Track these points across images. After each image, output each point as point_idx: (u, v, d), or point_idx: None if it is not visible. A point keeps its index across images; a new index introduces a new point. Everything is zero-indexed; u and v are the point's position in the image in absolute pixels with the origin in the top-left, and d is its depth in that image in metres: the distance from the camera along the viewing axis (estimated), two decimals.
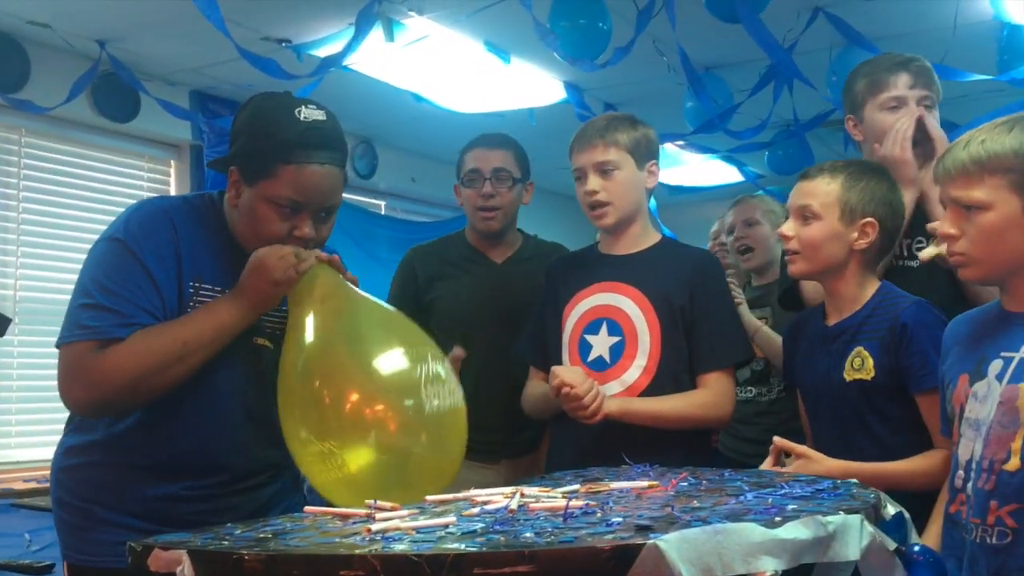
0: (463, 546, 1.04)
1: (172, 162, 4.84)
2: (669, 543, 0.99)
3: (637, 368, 2.18)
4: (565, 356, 2.27)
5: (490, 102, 4.78)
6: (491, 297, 2.63)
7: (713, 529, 1.03)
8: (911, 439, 1.84)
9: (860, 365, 1.91)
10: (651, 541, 0.99)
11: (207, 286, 1.73)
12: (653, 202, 5.50)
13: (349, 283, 1.72)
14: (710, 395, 2.18)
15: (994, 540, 1.49)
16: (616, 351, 2.20)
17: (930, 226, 1.76)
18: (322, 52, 3.91)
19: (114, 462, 1.74)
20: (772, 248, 3.09)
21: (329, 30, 3.95)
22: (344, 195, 5.93)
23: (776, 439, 1.86)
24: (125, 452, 1.73)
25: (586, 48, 3.47)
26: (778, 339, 2.40)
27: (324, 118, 1.71)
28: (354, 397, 1.48)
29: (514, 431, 2.58)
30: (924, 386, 1.82)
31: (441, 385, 1.56)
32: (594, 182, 2.22)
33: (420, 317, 2.65)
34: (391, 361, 1.53)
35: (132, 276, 1.66)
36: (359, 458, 1.47)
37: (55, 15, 3.92)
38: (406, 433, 1.50)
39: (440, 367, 1.59)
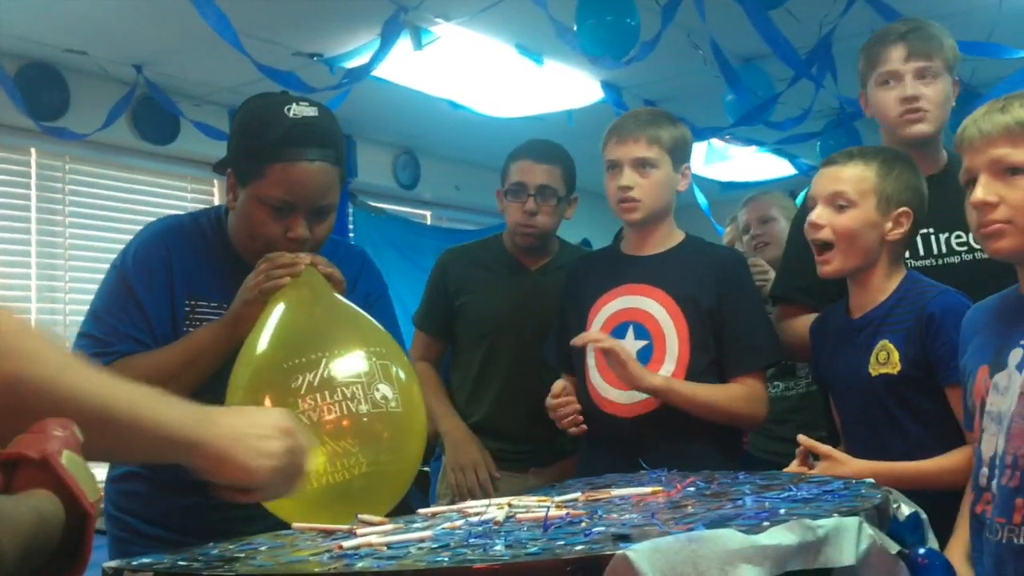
0: (424, 562, 0.99)
1: (215, 180, 4.90)
2: (639, 553, 0.93)
3: (666, 372, 2.12)
4: (591, 360, 2.21)
5: (527, 106, 4.74)
6: (522, 304, 2.58)
7: (687, 537, 0.97)
8: (942, 434, 1.75)
9: (886, 359, 1.82)
10: (620, 551, 0.93)
11: (203, 304, 1.71)
12: (704, 199, 5.49)
13: (330, 289, 1.65)
14: (745, 390, 2.12)
15: (1021, 540, 1.39)
16: (644, 355, 2.14)
17: (972, 199, 1.61)
18: (353, 64, 3.92)
19: (146, 474, 1.74)
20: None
21: (359, 41, 3.95)
22: (388, 206, 5.93)
23: (801, 439, 1.78)
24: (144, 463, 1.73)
25: (615, 45, 3.40)
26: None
27: (315, 114, 1.66)
28: (305, 403, 1.41)
29: (542, 439, 2.52)
30: (954, 378, 1.71)
31: (400, 393, 1.49)
32: (630, 177, 2.16)
33: (451, 321, 2.66)
34: (347, 368, 1.46)
35: (118, 302, 1.66)
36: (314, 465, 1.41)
37: (91, 42, 3.99)
38: (357, 442, 1.43)
39: (403, 373, 1.52)
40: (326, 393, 1.41)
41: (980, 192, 1.49)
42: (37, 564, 0.78)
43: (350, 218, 5.54)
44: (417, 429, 1.53)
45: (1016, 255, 1.52)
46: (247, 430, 1.14)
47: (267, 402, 1.42)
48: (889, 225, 1.84)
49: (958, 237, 2.04)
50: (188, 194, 4.87)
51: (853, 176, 1.86)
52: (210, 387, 1.56)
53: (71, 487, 0.82)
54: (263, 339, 1.49)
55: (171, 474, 1.67)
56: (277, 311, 1.53)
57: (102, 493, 0.92)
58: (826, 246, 1.87)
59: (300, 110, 1.65)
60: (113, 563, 1.16)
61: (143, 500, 1.75)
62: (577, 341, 2.11)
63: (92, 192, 4.51)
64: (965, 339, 1.64)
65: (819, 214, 1.87)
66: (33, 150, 4.28)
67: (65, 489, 0.81)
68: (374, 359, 1.49)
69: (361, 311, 1.62)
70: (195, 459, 1.10)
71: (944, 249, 2.05)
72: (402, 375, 1.53)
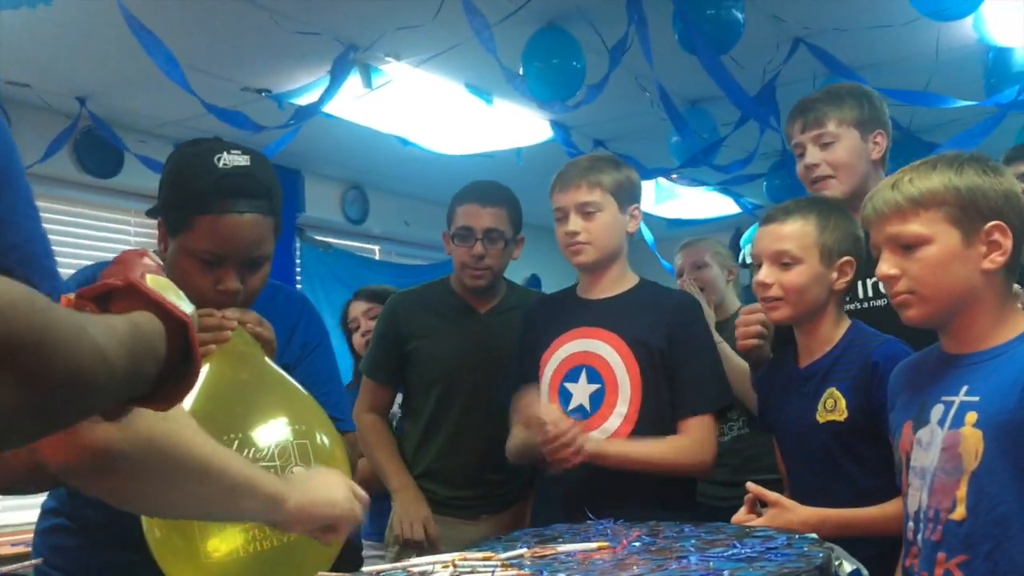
0: None
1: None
2: None
3: (618, 416, 2.12)
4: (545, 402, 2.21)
5: (477, 143, 4.76)
6: (473, 347, 2.56)
7: None
8: (887, 481, 1.77)
9: (833, 406, 1.84)
10: None
11: None
12: (650, 236, 5.55)
13: (259, 351, 1.58)
14: (688, 440, 2.12)
15: None
16: (596, 399, 2.15)
17: (877, 273, 1.68)
18: (302, 101, 3.91)
19: (76, 528, 1.68)
20: (721, 289, 3.17)
21: (309, 78, 3.94)
22: (337, 241, 5.87)
23: (750, 486, 1.80)
24: (78, 517, 1.68)
25: (561, 87, 3.44)
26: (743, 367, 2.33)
27: (247, 164, 1.60)
28: None
29: (494, 485, 2.51)
30: None
31: (325, 460, 1.45)
32: (575, 223, 2.18)
33: (401, 367, 2.64)
34: (261, 450, 1.41)
35: None
36: (224, 545, 1.36)
37: (34, 74, 3.93)
38: None
39: (325, 440, 1.49)
40: None
41: (883, 267, 1.56)
42: (151, 371, 0.84)
43: (297, 253, 5.50)
44: None
45: (925, 322, 1.57)
46: (320, 488, 1.33)
47: None
48: (835, 275, 1.88)
49: None
50: (132, 227, 4.80)
51: (794, 233, 1.89)
52: None
53: (159, 301, 0.87)
54: (182, 408, 1.44)
55: (103, 529, 1.63)
56: (199, 377, 1.48)
57: (194, 308, 0.94)
58: (777, 299, 1.90)
59: (231, 159, 1.58)
60: None
61: (74, 555, 1.68)
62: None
63: None
64: (892, 394, 1.67)
65: (766, 273, 1.90)
66: None
67: (155, 305, 0.87)
68: (291, 439, 1.44)
69: (287, 378, 1.56)
70: (282, 512, 1.25)
71: (871, 292, 2.10)
72: (325, 442, 1.48)
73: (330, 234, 5.85)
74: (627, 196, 2.23)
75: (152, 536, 1.40)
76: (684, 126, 3.73)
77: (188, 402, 1.40)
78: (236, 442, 1.38)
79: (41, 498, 1.77)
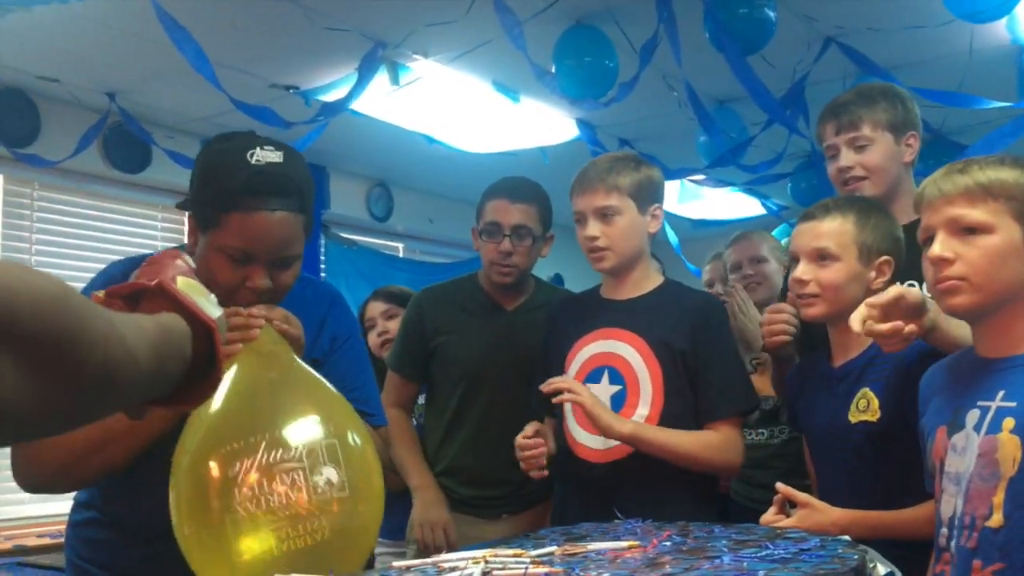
0: None
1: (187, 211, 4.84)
2: None
3: (639, 417, 2.11)
4: (567, 405, 2.20)
5: (502, 142, 4.75)
6: (498, 345, 2.55)
7: None
8: (918, 483, 1.75)
9: (866, 407, 1.82)
10: None
11: None
12: (675, 237, 5.52)
13: (287, 349, 1.54)
14: (719, 439, 2.11)
15: None
16: (618, 400, 2.13)
17: (929, 255, 1.65)
18: (329, 97, 3.92)
19: (107, 521, 1.68)
20: (777, 284, 2.99)
21: (336, 75, 3.95)
22: (361, 238, 5.86)
23: (779, 487, 1.78)
24: (108, 511, 1.68)
25: (592, 86, 3.42)
26: None
27: (279, 160, 1.55)
28: (255, 481, 1.34)
29: (516, 485, 2.49)
30: None
31: (356, 460, 1.43)
32: (594, 227, 2.16)
33: (426, 362, 2.64)
34: (287, 452, 1.38)
35: None
36: (257, 545, 1.35)
37: (64, 69, 3.96)
38: (311, 512, 1.36)
39: (358, 441, 1.46)
40: (264, 480, 1.35)
41: (937, 248, 1.52)
42: (176, 371, 0.87)
43: (322, 250, 5.51)
44: (369, 500, 1.46)
45: (970, 312, 1.53)
46: None
47: (211, 482, 1.36)
48: (872, 274, 1.87)
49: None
50: (159, 223, 4.82)
51: (833, 230, 1.88)
52: (158, 446, 1.51)
53: (187, 304, 0.90)
54: (211, 407, 1.41)
55: (134, 522, 1.63)
56: (227, 377, 1.43)
57: (222, 312, 0.94)
58: (814, 296, 1.89)
59: (264, 155, 1.53)
60: None
61: (105, 548, 1.68)
62: (544, 388, 2.09)
63: (60, 220, 4.45)
64: (924, 398, 1.65)
65: (804, 270, 1.89)
66: (0, 176, 4.22)
67: (183, 307, 0.90)
68: (321, 438, 1.41)
69: (316, 376, 1.53)
70: None
71: None
72: (356, 441, 1.46)
73: (355, 231, 5.86)
74: (647, 197, 2.20)
75: (181, 533, 1.39)
76: (712, 125, 3.71)
77: (216, 403, 1.40)
78: (264, 443, 1.36)
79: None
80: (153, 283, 0.90)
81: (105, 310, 0.77)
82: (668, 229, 5.22)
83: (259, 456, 1.35)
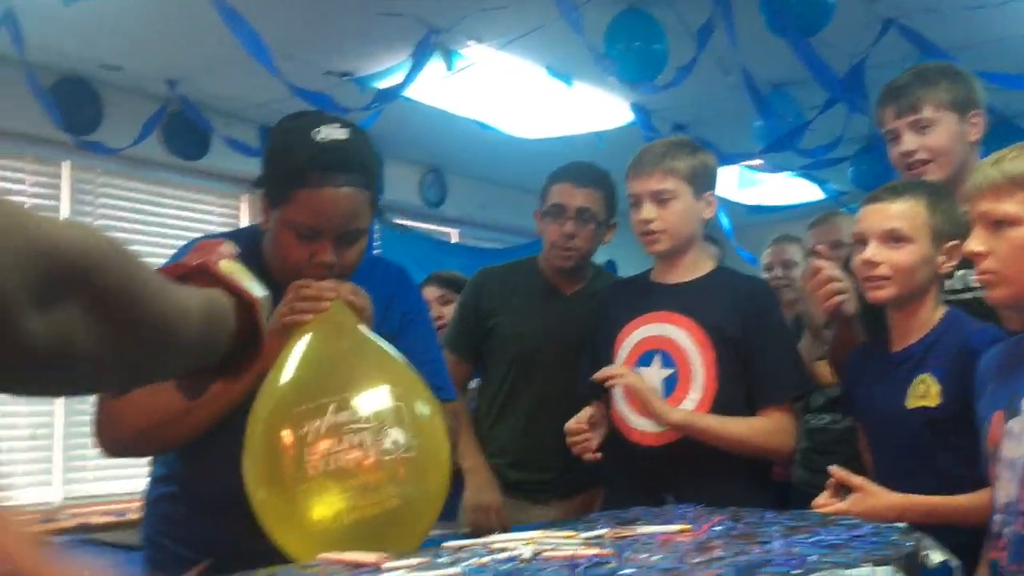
0: None
1: (244, 196, 4.94)
2: None
3: (691, 402, 2.10)
4: (618, 389, 2.20)
5: (556, 127, 4.75)
6: (553, 329, 2.56)
7: None
8: (976, 471, 1.72)
9: (924, 392, 1.80)
10: None
11: None
12: (728, 222, 5.46)
13: (356, 321, 1.59)
14: (772, 424, 2.10)
15: None
16: (669, 384, 2.13)
17: (963, 249, 1.65)
18: (383, 84, 3.94)
19: (183, 496, 1.72)
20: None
21: (391, 62, 3.97)
22: (414, 223, 5.90)
23: (833, 470, 1.77)
24: (185, 485, 1.72)
25: (642, 71, 3.40)
26: None
27: (344, 137, 1.60)
28: (324, 443, 1.38)
29: (566, 470, 2.49)
30: None
31: (417, 434, 1.46)
32: (649, 211, 2.16)
33: (480, 342, 2.66)
34: (357, 413, 1.42)
35: None
36: (328, 507, 1.38)
37: (126, 57, 4.04)
38: (380, 479, 1.40)
39: (426, 409, 1.50)
40: (333, 442, 1.38)
41: (970, 243, 1.54)
42: (223, 341, 0.92)
43: (376, 235, 5.56)
44: (436, 468, 1.50)
45: (1007, 303, 1.54)
46: None
47: (283, 446, 1.40)
48: (941, 258, 1.85)
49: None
50: (216, 207, 4.91)
51: (905, 212, 1.86)
52: (234, 416, 1.55)
53: (229, 281, 0.96)
54: (282, 376, 1.47)
55: (210, 495, 1.66)
56: (298, 347, 1.50)
57: (267, 293, 1.01)
58: (884, 279, 1.87)
59: (330, 132, 1.59)
60: None
61: (182, 523, 1.72)
62: (597, 376, 2.10)
63: (123, 205, 4.54)
64: (981, 383, 1.63)
65: (875, 252, 1.86)
66: (66, 164, 4.32)
67: (226, 284, 0.96)
68: (390, 403, 1.45)
69: (385, 346, 1.58)
70: None
71: (959, 286, 2.04)
72: (423, 411, 1.49)
73: (408, 216, 5.90)
74: (703, 182, 2.20)
75: (256, 499, 1.43)
76: (768, 109, 3.66)
77: (287, 372, 1.44)
78: (333, 405, 1.40)
79: (140, 469, 1.83)
80: (197, 264, 0.95)
81: (159, 273, 0.83)
82: (721, 214, 5.17)
83: (328, 418, 1.38)
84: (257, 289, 1.00)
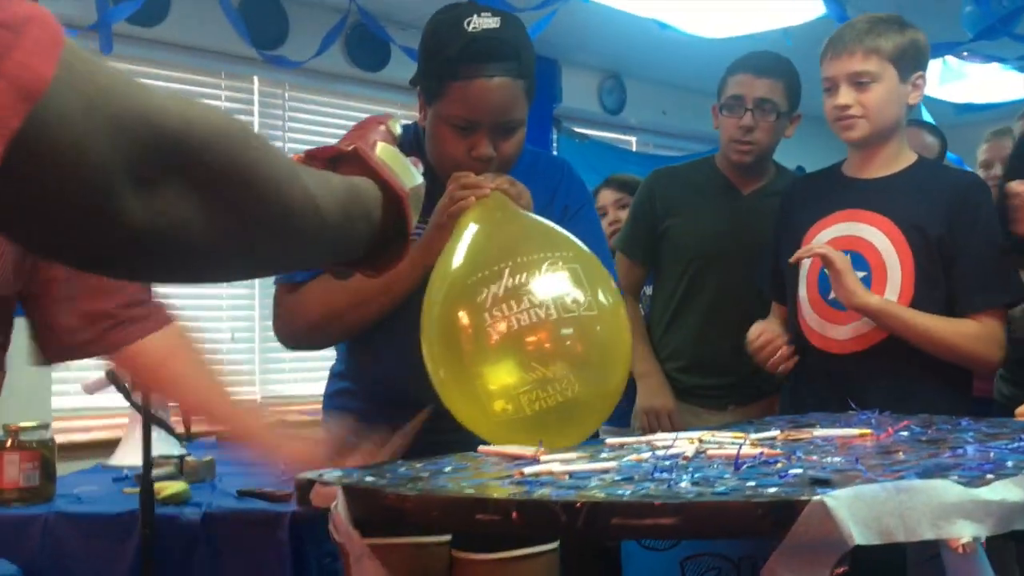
0: (605, 494, 0.95)
1: None
2: (839, 500, 0.84)
3: None
4: (803, 292, 2.08)
5: (740, 25, 4.49)
6: (731, 229, 2.46)
7: (896, 487, 0.87)
8: None
9: None
10: (817, 497, 0.85)
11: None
12: (932, 121, 5.05)
13: (521, 208, 1.56)
14: (977, 328, 1.93)
15: None
16: None
17: None
18: None
19: (359, 391, 1.77)
20: None
21: None
22: (593, 132, 5.82)
23: None
24: (360, 380, 1.76)
25: None
26: None
27: (496, 26, 1.57)
28: (501, 325, 1.34)
29: (744, 375, 2.40)
30: None
31: (605, 312, 1.40)
32: (846, 95, 1.99)
33: (655, 245, 2.58)
34: (548, 287, 1.37)
35: None
36: (509, 391, 1.34)
37: None
38: (562, 363, 1.34)
39: (607, 296, 1.43)
40: (512, 303, 1.34)
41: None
42: (364, 233, 0.86)
43: (554, 145, 5.50)
44: (618, 338, 1.44)
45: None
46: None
47: (460, 318, 1.38)
48: None
49: None
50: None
51: None
52: (405, 306, 1.58)
53: (379, 169, 0.90)
54: (453, 258, 1.45)
55: (384, 387, 1.71)
56: (466, 231, 1.49)
57: (422, 182, 0.99)
58: None
59: (481, 22, 1.56)
60: (306, 475, 1.19)
61: (358, 418, 1.77)
62: (793, 258, 1.99)
63: (309, 119, 4.68)
64: None
65: None
66: (255, 78, 4.47)
67: (374, 173, 0.89)
68: (560, 263, 1.40)
69: (553, 225, 1.53)
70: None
71: None
72: (605, 283, 1.44)
73: (587, 125, 5.79)
74: (911, 63, 2.01)
75: (438, 378, 1.43)
76: None
77: (457, 257, 1.43)
78: (509, 268, 1.37)
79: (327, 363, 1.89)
80: (350, 148, 0.90)
81: (291, 159, 0.78)
82: (926, 114, 4.79)
83: (505, 279, 1.36)
84: (409, 179, 0.95)
